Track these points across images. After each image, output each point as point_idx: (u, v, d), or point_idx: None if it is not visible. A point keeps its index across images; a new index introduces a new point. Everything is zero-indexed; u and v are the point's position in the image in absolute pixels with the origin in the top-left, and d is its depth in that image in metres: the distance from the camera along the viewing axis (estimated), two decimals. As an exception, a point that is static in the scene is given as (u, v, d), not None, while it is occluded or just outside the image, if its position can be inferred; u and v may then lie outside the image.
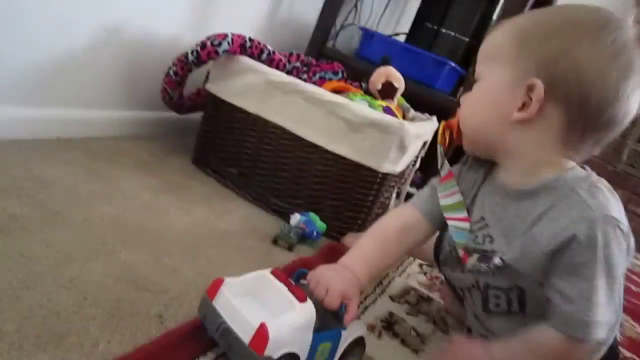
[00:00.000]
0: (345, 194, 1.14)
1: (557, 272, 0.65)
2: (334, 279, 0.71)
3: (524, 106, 0.66)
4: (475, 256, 0.74)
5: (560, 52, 0.64)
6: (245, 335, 0.58)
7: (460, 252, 0.76)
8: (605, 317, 0.62)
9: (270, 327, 0.57)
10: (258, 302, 0.64)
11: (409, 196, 1.52)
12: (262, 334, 0.57)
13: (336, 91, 1.19)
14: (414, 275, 1.13)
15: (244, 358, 0.58)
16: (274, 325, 0.58)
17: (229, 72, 1.16)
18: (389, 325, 0.89)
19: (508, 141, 0.69)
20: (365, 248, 0.81)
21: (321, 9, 1.59)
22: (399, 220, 0.84)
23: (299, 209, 1.13)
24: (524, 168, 0.70)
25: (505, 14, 1.88)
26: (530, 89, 0.65)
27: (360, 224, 1.17)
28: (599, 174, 0.71)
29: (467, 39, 1.92)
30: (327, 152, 1.11)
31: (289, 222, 1.08)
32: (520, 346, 0.68)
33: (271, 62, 1.21)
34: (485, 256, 0.72)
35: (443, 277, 0.96)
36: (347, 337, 0.68)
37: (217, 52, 1.12)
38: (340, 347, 0.68)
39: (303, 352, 0.62)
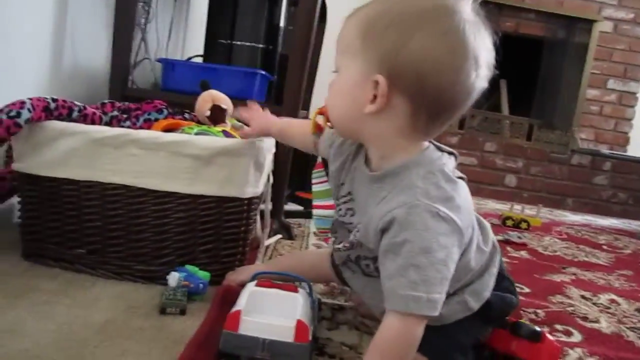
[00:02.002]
0: (215, 234, 1.05)
1: (382, 251, 0.71)
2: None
3: (375, 98, 0.70)
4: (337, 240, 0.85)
5: (397, 45, 0.68)
6: (289, 336, 0.73)
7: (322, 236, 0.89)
8: (423, 293, 0.67)
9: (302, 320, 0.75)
10: (271, 310, 0.78)
11: (274, 214, 1.48)
12: (302, 327, 0.74)
13: (169, 130, 1.09)
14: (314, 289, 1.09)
15: (294, 354, 0.73)
16: (302, 317, 0.75)
17: (38, 143, 0.99)
18: (320, 350, 0.84)
19: (366, 130, 0.75)
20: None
21: (112, 50, 1.44)
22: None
23: (171, 267, 1.01)
24: (381, 154, 0.76)
25: (291, 15, 1.93)
26: (375, 84, 0.69)
27: (240, 258, 1.09)
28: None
29: (261, 46, 1.93)
30: (183, 196, 1.01)
31: (167, 285, 0.96)
32: (373, 348, 0.70)
33: (85, 118, 1.06)
34: (346, 233, 0.82)
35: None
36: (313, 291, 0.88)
37: (18, 125, 0.94)
38: (314, 298, 0.88)
39: (314, 322, 0.82)
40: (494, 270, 0.85)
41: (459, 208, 0.72)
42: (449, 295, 0.79)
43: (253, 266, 1.12)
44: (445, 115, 0.73)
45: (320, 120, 0.83)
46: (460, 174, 0.78)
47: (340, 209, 0.83)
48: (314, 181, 0.88)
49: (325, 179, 0.87)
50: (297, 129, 1.02)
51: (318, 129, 0.84)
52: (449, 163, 0.76)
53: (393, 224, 0.69)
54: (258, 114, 1.04)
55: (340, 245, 0.83)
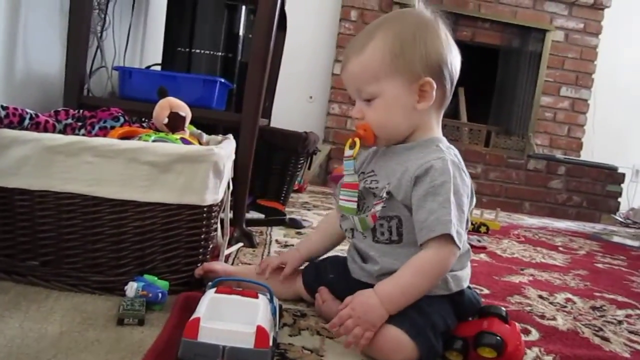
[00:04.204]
0: (174, 242, 1.03)
1: (421, 196, 0.87)
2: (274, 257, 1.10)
3: (420, 97, 0.91)
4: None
5: (424, 51, 0.90)
6: (249, 343, 0.71)
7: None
8: (456, 221, 0.85)
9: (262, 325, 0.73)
10: (231, 317, 0.77)
11: (235, 222, 1.46)
12: (262, 333, 0.73)
13: (125, 137, 1.07)
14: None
15: None
16: (262, 323, 0.74)
17: (-13, 152, 0.96)
18: (282, 355, 0.83)
19: (417, 123, 0.94)
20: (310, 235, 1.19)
21: (67, 57, 1.41)
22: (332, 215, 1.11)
23: (129, 277, 0.98)
24: (414, 135, 0.95)
25: (250, 24, 1.93)
26: (423, 85, 0.90)
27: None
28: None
29: (220, 54, 1.92)
30: (141, 204, 0.99)
31: (125, 295, 0.94)
32: (403, 270, 0.86)
33: (37, 126, 1.03)
34: (374, 194, 0.94)
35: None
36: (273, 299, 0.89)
37: (-34, 134, 0.91)
38: (275, 304, 0.89)
39: (274, 328, 0.83)
40: (468, 270, 0.98)
41: (469, 176, 0.92)
42: None
43: (227, 266, 1.14)
44: (453, 88, 0.96)
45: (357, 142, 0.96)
46: None
47: (366, 180, 0.97)
48: (342, 197, 0.96)
49: (355, 199, 0.94)
50: (319, 237, 1.12)
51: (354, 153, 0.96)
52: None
53: (430, 171, 0.86)
54: (284, 256, 1.10)
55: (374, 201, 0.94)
